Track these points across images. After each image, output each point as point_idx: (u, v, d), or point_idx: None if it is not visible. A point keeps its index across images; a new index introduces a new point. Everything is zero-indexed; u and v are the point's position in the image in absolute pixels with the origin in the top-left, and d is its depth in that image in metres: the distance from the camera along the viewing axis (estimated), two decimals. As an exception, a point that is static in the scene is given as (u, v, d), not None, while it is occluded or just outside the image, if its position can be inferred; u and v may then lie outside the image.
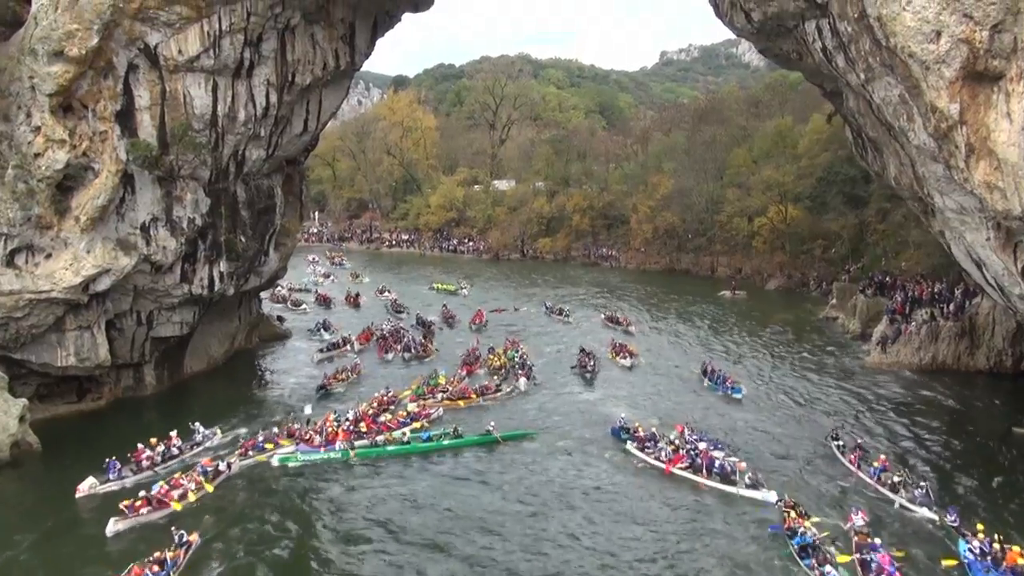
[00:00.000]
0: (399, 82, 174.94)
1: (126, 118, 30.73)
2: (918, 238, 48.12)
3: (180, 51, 30.53)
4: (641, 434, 29.48)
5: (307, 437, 29.92)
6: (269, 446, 29.20)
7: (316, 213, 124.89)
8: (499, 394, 36.25)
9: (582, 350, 42.78)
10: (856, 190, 62.88)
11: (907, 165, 26.40)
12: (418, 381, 37.63)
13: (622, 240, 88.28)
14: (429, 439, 30.01)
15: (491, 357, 42.03)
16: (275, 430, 30.62)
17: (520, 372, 38.70)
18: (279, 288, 62.86)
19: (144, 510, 23.85)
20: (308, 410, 33.28)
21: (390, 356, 44.44)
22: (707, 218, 77.91)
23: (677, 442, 28.70)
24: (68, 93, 29.31)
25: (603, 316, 53.72)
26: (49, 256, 29.98)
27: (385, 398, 34.98)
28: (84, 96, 29.84)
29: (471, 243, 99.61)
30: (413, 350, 44.88)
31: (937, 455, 29.14)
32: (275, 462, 28.47)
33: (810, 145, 69.72)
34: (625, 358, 42.17)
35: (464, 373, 39.61)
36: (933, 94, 20.87)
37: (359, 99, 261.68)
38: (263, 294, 60.26)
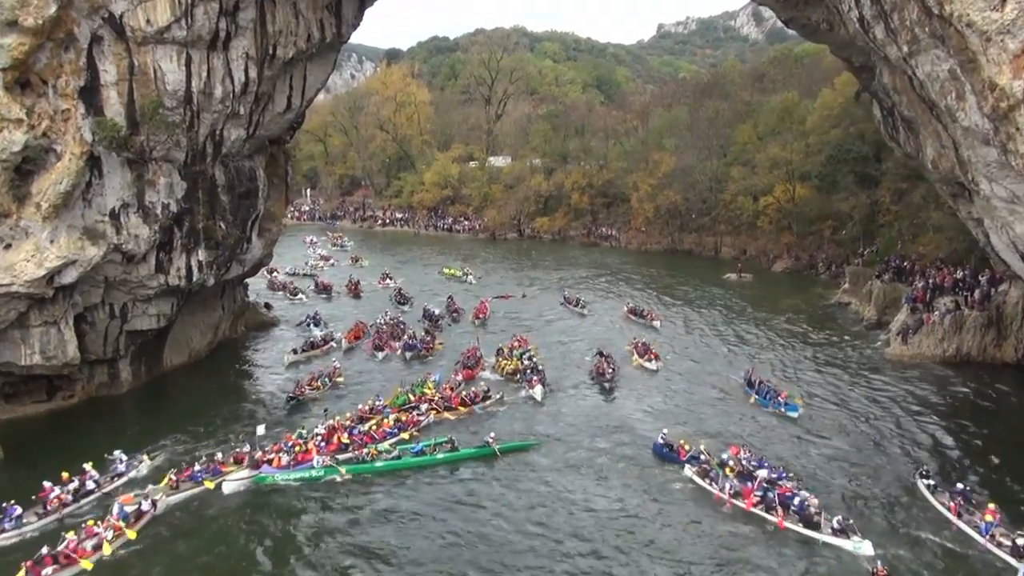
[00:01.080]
0: (392, 55, 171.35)
1: (91, 95, 28.00)
2: (939, 221, 45.75)
3: (148, 21, 27.77)
4: (685, 452, 25.95)
5: (268, 459, 25.95)
6: (209, 483, 24.52)
7: (308, 190, 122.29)
8: (489, 401, 32.32)
9: (599, 353, 37.85)
10: (868, 168, 60.26)
11: (949, 148, 24.00)
12: (397, 391, 32.97)
13: (622, 219, 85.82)
14: (421, 452, 26.91)
15: (501, 360, 37.26)
16: (218, 456, 26.18)
17: (534, 378, 34.06)
18: (275, 275, 60.49)
19: (49, 570, 19.56)
20: (261, 430, 28.42)
21: (382, 355, 39.93)
22: (710, 197, 75.45)
23: (733, 465, 24.57)
24: (25, 67, 26.49)
25: (625, 308, 49.16)
26: (8, 247, 27.30)
27: (370, 409, 30.96)
28: (43, 71, 27.09)
29: (467, 222, 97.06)
30: (415, 347, 40.47)
31: (995, 468, 25.83)
32: (228, 488, 24.48)
33: (819, 121, 67.01)
34: (650, 361, 37.45)
35: (460, 379, 35.02)
36: (993, 69, 18.43)
37: (352, 72, 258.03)
38: (260, 280, 57.64)
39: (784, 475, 24.04)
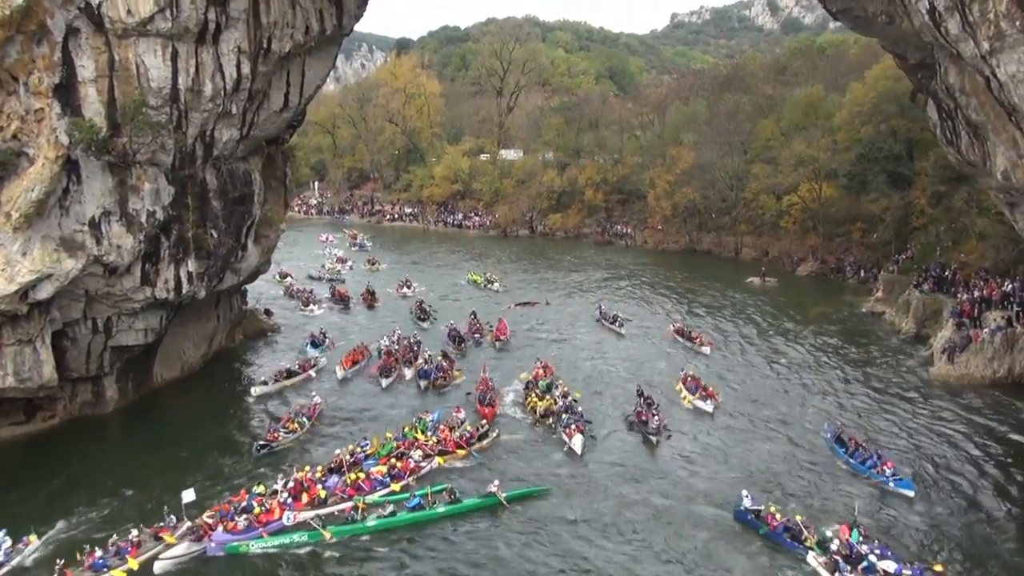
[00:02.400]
0: (402, 45, 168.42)
1: (67, 93, 25.52)
2: (984, 228, 42.71)
3: (129, 11, 25.18)
4: (777, 521, 21.46)
5: (216, 525, 21.77)
6: (118, 573, 19.93)
7: (316, 183, 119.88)
8: (486, 441, 28.17)
9: (640, 394, 31.65)
10: (900, 168, 57.15)
11: (1027, 157, 21.16)
12: (388, 436, 28.11)
13: (638, 217, 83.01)
14: (419, 507, 23.22)
15: (532, 398, 31.59)
16: (133, 534, 21.08)
17: (573, 425, 28.24)
18: (290, 280, 57.12)
19: None
20: (188, 496, 22.33)
21: (388, 381, 34.83)
22: (731, 195, 72.31)
23: (839, 549, 20.04)
24: (-9, 63, 24.11)
25: (671, 328, 43.55)
26: (-24, 260, 24.98)
27: (350, 456, 26.22)
28: (13, 66, 24.60)
29: (477, 218, 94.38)
30: (430, 374, 35.11)
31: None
32: (160, 568, 20.17)
33: (848, 117, 63.75)
34: (704, 400, 31.75)
35: (462, 416, 29.84)
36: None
37: (362, 62, 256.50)
38: (275, 287, 55.24)
39: (921, 572, 19.19)
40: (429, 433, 28.28)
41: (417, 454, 26.45)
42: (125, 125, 26.54)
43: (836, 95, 72.40)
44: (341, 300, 51.64)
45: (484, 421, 29.60)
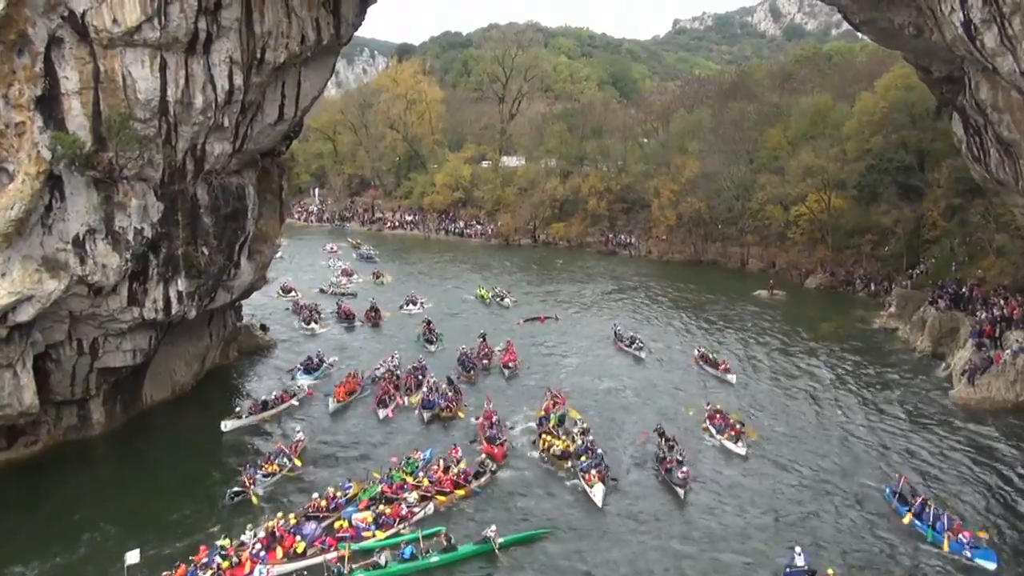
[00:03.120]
0: (403, 51, 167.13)
1: (50, 106, 24.17)
2: (1002, 244, 41.41)
3: (115, 20, 23.91)
4: None
5: None
6: None
7: (316, 190, 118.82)
8: (483, 479, 26.11)
9: (660, 433, 28.61)
10: (911, 180, 55.93)
11: (1065, 179, 19.88)
12: (374, 476, 25.93)
13: (642, 227, 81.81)
14: (412, 557, 21.10)
15: (546, 437, 28.58)
16: None
17: (593, 470, 25.27)
18: (295, 295, 55.06)
19: None
20: (132, 558, 19.83)
21: (384, 413, 32.22)
22: (737, 205, 71.13)
23: None
24: (-32, 74, 22.85)
25: (695, 353, 40.40)
26: (-49, 282, 23.71)
27: (328, 503, 23.88)
28: (-9, 78, 23.36)
29: (479, 226, 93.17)
30: (433, 404, 32.52)
31: None
32: None
33: (858, 127, 62.54)
34: (735, 441, 28.65)
35: (460, 456, 27.15)
36: None
37: (364, 67, 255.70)
38: (279, 301, 53.84)
39: None
40: (420, 475, 25.89)
41: (413, 496, 24.30)
42: (111, 139, 25.25)
43: (844, 104, 71.26)
44: (346, 318, 49.02)
45: (488, 460, 27.17)
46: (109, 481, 27.34)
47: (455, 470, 26.05)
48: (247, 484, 25.47)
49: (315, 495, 24.42)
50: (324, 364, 38.85)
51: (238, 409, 32.39)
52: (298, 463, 27.60)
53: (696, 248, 74.03)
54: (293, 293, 55.68)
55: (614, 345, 43.60)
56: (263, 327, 44.99)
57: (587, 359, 41.61)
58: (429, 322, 46.20)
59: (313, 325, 47.12)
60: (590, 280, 64.87)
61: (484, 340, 42.11)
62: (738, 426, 29.66)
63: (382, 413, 32.46)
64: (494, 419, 30.43)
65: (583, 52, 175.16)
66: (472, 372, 37.74)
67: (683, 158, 77.20)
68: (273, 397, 33.39)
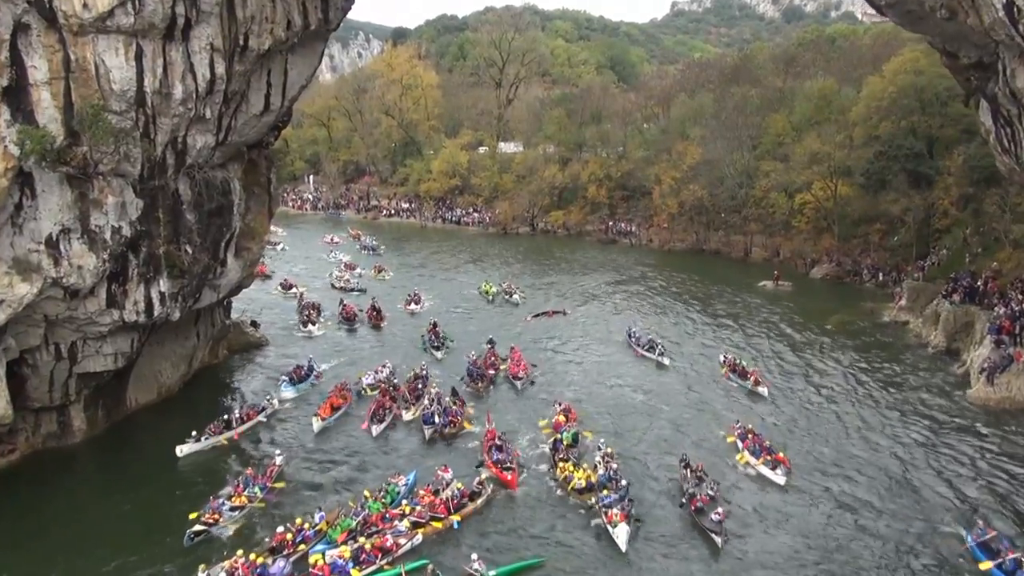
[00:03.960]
0: (398, 35, 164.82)
1: (17, 97, 22.59)
2: (1021, 235, 39.90)
3: (86, 5, 22.26)
4: None
5: None
6: None
7: (310, 177, 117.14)
8: (480, 500, 23.91)
9: (686, 465, 25.25)
10: (921, 167, 54.37)
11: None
12: (350, 506, 23.30)
13: (642, 214, 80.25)
14: None
15: (563, 465, 25.34)
16: None
17: (618, 510, 22.06)
18: (298, 291, 52.08)
19: None
20: None
21: (376, 430, 29.24)
22: (740, 192, 69.56)
23: None
24: (-73, 64, 21.25)
25: (722, 359, 37.36)
26: (-86, 286, 22.24)
27: (294, 536, 21.47)
28: (-47, 68, 21.76)
29: (476, 214, 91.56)
30: (437, 419, 29.43)
31: None
32: None
33: (866, 113, 60.90)
34: (773, 468, 25.47)
35: (450, 476, 24.70)
36: None
37: (359, 51, 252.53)
38: (284, 299, 51.66)
39: None
40: (405, 503, 23.27)
41: (405, 523, 21.90)
42: (84, 132, 23.67)
43: (849, 88, 69.62)
44: (348, 319, 45.74)
45: (486, 480, 24.83)
46: (87, 495, 25.88)
47: (446, 493, 23.58)
48: (211, 520, 22.53)
49: (280, 528, 21.89)
50: (313, 373, 35.80)
51: (193, 432, 28.56)
52: (278, 486, 25.27)
53: (698, 237, 72.53)
54: (294, 290, 53.18)
55: (631, 349, 40.42)
56: (254, 323, 43.44)
57: (599, 364, 38.87)
58: (435, 324, 42.70)
59: (311, 327, 44.08)
60: (592, 271, 63.35)
61: (493, 347, 38.74)
62: (776, 450, 26.63)
63: (376, 430, 29.45)
64: (499, 439, 27.43)
65: (580, 35, 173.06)
66: (480, 383, 34.38)
67: (685, 144, 75.65)
68: (238, 415, 30.26)
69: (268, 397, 32.70)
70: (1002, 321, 34.43)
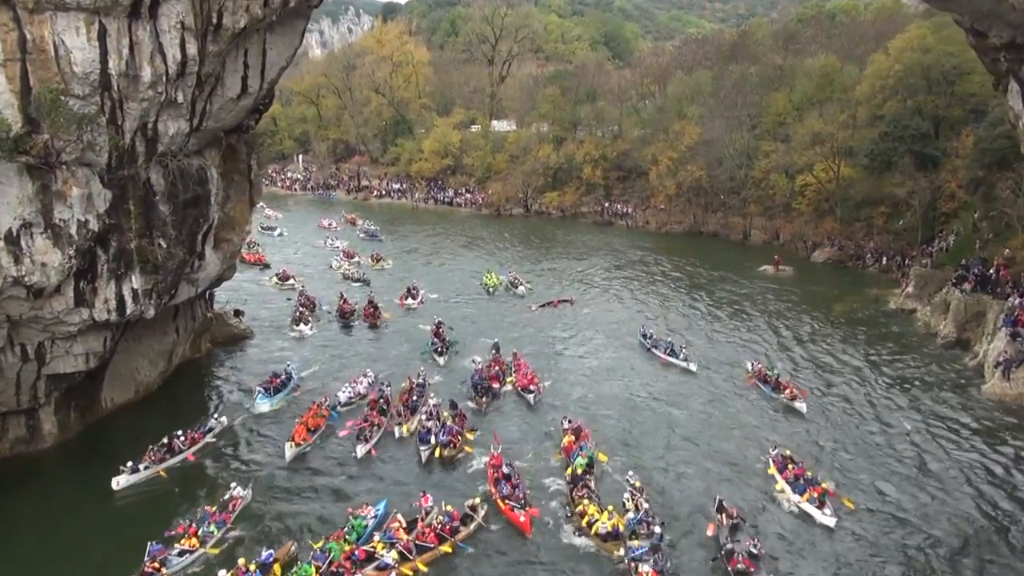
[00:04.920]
0: (388, 10, 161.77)
1: (-31, 81, 20.80)
2: (1033, 221, 38.49)
3: (41, -20, 20.37)
4: None
5: None
6: None
7: (299, 156, 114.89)
8: (471, 526, 21.71)
9: (720, 509, 21.85)
10: (927, 148, 52.79)
11: None
12: (287, 550, 20.56)
13: (639, 196, 78.59)
14: None
15: (586, 505, 21.81)
16: None
17: (648, 567, 18.98)
18: (293, 284, 49.06)
19: None
20: None
21: (362, 450, 25.91)
22: (739, 174, 67.93)
23: None
24: None
25: (749, 368, 33.61)
26: None
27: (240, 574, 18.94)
28: None
29: (469, 195, 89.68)
30: (435, 437, 26.18)
31: None
32: None
33: (871, 92, 59.12)
34: (819, 505, 22.17)
35: (429, 505, 22.05)
36: None
37: (349, 26, 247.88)
38: (281, 294, 48.22)
39: None
40: (377, 538, 20.58)
41: (392, 555, 19.64)
42: (43, 119, 21.80)
43: (852, 66, 67.77)
44: (345, 316, 42.30)
45: (478, 504, 22.33)
46: (57, 504, 24.24)
47: (431, 518, 21.23)
48: (150, 570, 19.55)
49: (221, 572, 19.20)
50: (292, 383, 32.22)
51: (130, 463, 24.87)
52: (235, 527, 22.10)
53: (696, 219, 71.03)
54: (291, 281, 50.31)
55: (650, 353, 36.85)
56: (237, 312, 41.52)
57: (608, 366, 35.66)
58: (440, 324, 38.85)
59: (302, 327, 40.38)
60: (589, 255, 61.74)
61: (498, 352, 35.00)
62: (821, 482, 23.16)
63: (361, 451, 26.03)
64: (506, 466, 23.86)
65: (574, 10, 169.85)
66: (486, 398, 30.56)
67: (682, 123, 73.91)
68: (181, 438, 26.68)
69: (215, 415, 29.12)
70: (1018, 312, 33.07)
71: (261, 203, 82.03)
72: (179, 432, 27.02)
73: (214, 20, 23.45)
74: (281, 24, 26.33)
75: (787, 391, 30.74)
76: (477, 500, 22.69)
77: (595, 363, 36.34)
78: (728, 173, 68.40)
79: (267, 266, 55.48)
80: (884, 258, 53.86)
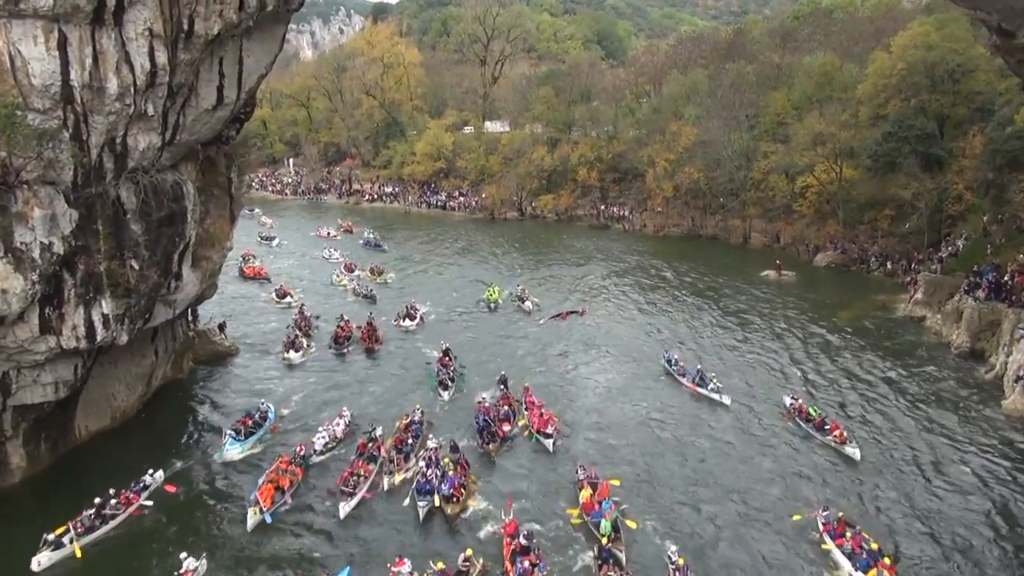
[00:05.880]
0: (379, 11, 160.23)
1: (-83, 95, 19.15)
2: (1049, 226, 37.09)
3: (-7, -15, 18.74)
4: None
5: None
6: None
7: (290, 160, 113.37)
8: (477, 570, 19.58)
9: None
10: (932, 148, 51.39)
11: None
12: None
13: (636, 198, 77.10)
14: None
15: (599, 563, 19.55)
16: None
17: None
18: (290, 302, 46.28)
19: None
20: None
21: (345, 510, 22.58)
22: (738, 175, 66.43)
23: None
24: None
25: (786, 404, 30.08)
26: None
27: None
28: None
29: (462, 198, 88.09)
30: (431, 490, 22.83)
31: None
32: None
33: (873, 91, 57.66)
34: None
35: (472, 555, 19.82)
36: None
37: (340, 27, 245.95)
38: (280, 313, 45.22)
39: None
40: None
41: None
42: (0, 136, 20.17)
43: (852, 64, 66.36)
44: (337, 341, 38.63)
45: (474, 559, 19.85)
46: (24, 546, 22.57)
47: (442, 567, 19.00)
48: None
49: None
50: (267, 423, 28.96)
51: (53, 534, 21.58)
52: None
53: (695, 221, 69.65)
54: (288, 299, 47.38)
55: (678, 382, 33.38)
56: (222, 327, 39.75)
57: (627, 392, 32.49)
58: (447, 352, 35.34)
59: (291, 354, 36.90)
60: (587, 261, 60.11)
61: (506, 387, 31.35)
62: (884, 554, 19.80)
63: (344, 510, 22.60)
64: (523, 537, 20.35)
65: (566, 9, 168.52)
66: (493, 444, 26.76)
67: (679, 124, 72.36)
68: (112, 501, 23.23)
69: (151, 471, 25.14)
70: (1037, 323, 31.65)
71: (257, 208, 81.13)
72: (112, 493, 23.52)
73: (185, 26, 21.79)
74: (259, 29, 24.65)
75: (834, 432, 27.17)
76: (470, 551, 20.14)
77: (609, 388, 33.37)
78: (727, 174, 66.91)
79: (268, 280, 53.18)
80: (889, 262, 52.43)
